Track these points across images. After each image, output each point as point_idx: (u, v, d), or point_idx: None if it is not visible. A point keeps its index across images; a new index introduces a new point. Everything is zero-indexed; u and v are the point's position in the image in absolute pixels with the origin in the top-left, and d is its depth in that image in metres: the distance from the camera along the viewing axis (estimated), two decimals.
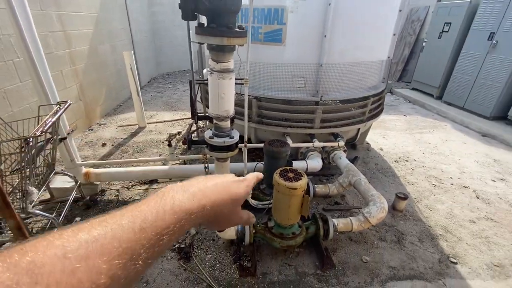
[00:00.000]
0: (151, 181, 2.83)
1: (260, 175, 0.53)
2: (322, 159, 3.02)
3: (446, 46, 5.75)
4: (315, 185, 2.58)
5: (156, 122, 4.35)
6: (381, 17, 2.65)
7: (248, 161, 3.28)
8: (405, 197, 2.53)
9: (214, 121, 1.52)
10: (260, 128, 2.94)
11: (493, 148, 4.04)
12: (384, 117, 5.24)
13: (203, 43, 1.25)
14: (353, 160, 3.44)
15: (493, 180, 3.20)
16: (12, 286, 0.20)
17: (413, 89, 6.97)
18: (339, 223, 2.10)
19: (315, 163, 2.72)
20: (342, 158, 2.79)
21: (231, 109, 1.47)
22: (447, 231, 2.38)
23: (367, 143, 3.98)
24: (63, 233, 0.26)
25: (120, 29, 5.41)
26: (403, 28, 8.53)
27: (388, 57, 3.21)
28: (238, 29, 1.26)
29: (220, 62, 1.33)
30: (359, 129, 3.17)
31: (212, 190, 0.40)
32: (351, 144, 3.80)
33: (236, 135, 1.57)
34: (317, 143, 2.78)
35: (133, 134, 3.98)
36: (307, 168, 2.69)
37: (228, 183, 0.43)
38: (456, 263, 2.06)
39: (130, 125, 4.23)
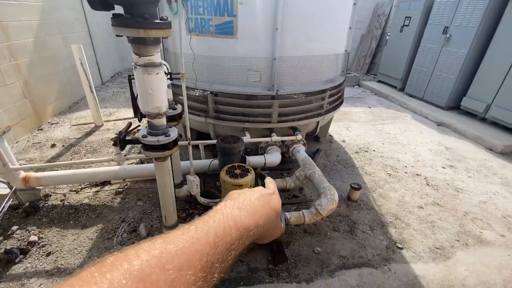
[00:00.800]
0: (103, 183, 2.69)
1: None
2: (283, 153, 3.03)
3: (407, 40, 5.97)
4: (275, 179, 2.57)
5: (115, 120, 4.14)
6: (333, 10, 2.66)
7: (210, 157, 3.22)
8: (359, 188, 2.60)
9: (147, 118, 1.44)
10: (218, 124, 2.88)
11: (446, 137, 4.29)
12: (350, 109, 5.38)
13: (121, 36, 1.16)
14: (315, 153, 3.49)
15: (443, 167, 3.39)
16: None
17: (379, 81, 7.20)
18: (291, 216, 2.11)
19: (273, 157, 2.71)
20: (300, 152, 2.80)
21: (163, 106, 1.40)
22: (397, 218, 2.49)
23: (330, 135, 4.06)
24: (155, 243, 0.28)
25: (73, 19, 5.03)
26: (370, 22, 8.76)
27: (346, 51, 3.25)
28: (159, 20, 1.18)
29: (143, 55, 1.24)
30: (318, 122, 3.20)
31: (260, 206, 0.42)
32: (314, 137, 3.85)
33: (173, 133, 1.50)
34: (275, 137, 2.77)
35: (88, 134, 3.75)
36: (265, 163, 2.68)
37: (268, 197, 0.46)
38: (402, 248, 2.16)
39: (86, 124, 3.98)
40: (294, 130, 2.95)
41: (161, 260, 0.26)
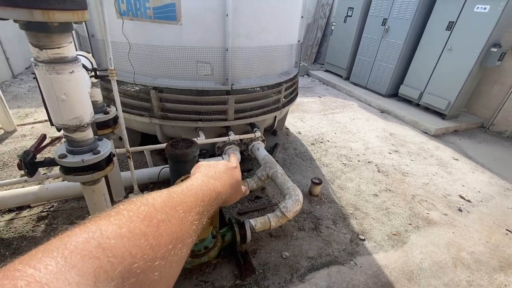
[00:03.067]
0: (19, 207, 2.13)
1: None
2: (242, 151, 2.83)
3: (351, 30, 6.22)
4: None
5: (33, 123, 3.37)
6: None
7: (160, 163, 2.83)
8: (319, 182, 2.57)
9: (64, 133, 1.08)
10: (166, 125, 2.52)
11: (389, 123, 4.63)
12: (302, 100, 5.42)
13: (6, 19, 0.78)
14: (273, 148, 3.39)
15: (390, 153, 3.63)
16: (164, 220, 0.31)
17: (326, 71, 7.45)
18: (256, 223, 1.96)
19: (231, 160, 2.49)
20: (260, 150, 2.65)
21: (85, 115, 1.05)
22: (356, 208, 2.55)
23: (286, 128, 4.00)
24: (163, 192, 0.36)
25: None
26: (315, 11, 8.94)
27: (298, 41, 3.15)
28: None
29: (46, 47, 0.88)
30: (275, 116, 3.08)
31: (227, 178, 0.52)
32: (272, 131, 3.74)
33: (104, 148, 1.16)
34: (233, 136, 2.55)
35: None
36: None
37: (232, 171, 0.55)
38: (364, 240, 2.20)
39: None
40: (252, 127, 2.77)
41: (173, 202, 0.34)
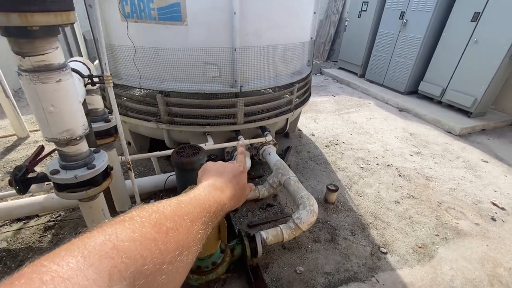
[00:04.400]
0: (27, 216, 2.10)
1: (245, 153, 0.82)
2: (253, 156, 2.71)
3: (366, 25, 5.94)
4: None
5: None
6: None
7: (169, 169, 2.76)
8: (335, 189, 2.41)
9: (56, 146, 0.99)
10: (173, 130, 2.43)
11: (409, 122, 4.36)
12: (315, 99, 5.22)
13: None
14: (285, 151, 3.24)
15: (411, 155, 3.39)
16: (173, 228, 0.33)
17: (340, 68, 7.19)
18: (268, 236, 1.82)
19: None
20: (271, 154, 2.51)
21: (77, 128, 0.95)
22: (376, 217, 2.36)
23: (299, 130, 3.83)
24: (172, 201, 0.39)
25: None
26: (327, 7, 8.67)
27: (311, 38, 2.98)
28: None
29: (30, 55, 0.79)
30: (287, 118, 2.93)
31: (233, 187, 0.53)
32: (284, 134, 3.59)
33: (101, 161, 1.07)
34: (243, 141, 2.42)
35: (9, 149, 3.00)
36: None
37: (238, 178, 0.56)
38: (386, 253, 2.02)
39: (4, 137, 3.19)
40: (263, 130, 2.64)
41: (181, 212, 0.36)
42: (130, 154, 1.70)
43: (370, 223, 2.29)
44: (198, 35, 2.07)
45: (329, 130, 3.95)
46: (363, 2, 5.88)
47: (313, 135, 3.76)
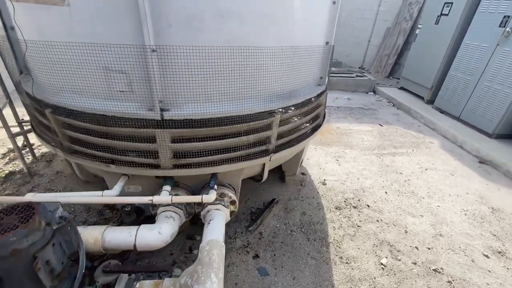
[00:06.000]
0: None
1: None
2: (196, 214, 1.76)
3: (444, 34, 4.33)
4: None
5: None
6: None
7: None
8: None
9: None
10: (76, 162, 1.67)
11: (492, 186, 2.75)
12: (353, 127, 3.94)
13: None
14: (266, 206, 2.19)
15: (486, 255, 1.94)
16: None
17: (401, 88, 5.60)
18: None
19: (150, 235, 1.45)
20: (211, 225, 1.53)
21: None
22: None
23: (303, 173, 2.69)
24: None
25: None
26: (399, 12, 7.04)
27: (327, 43, 1.89)
28: None
29: None
30: (263, 164, 1.88)
31: None
32: (279, 176, 2.53)
33: None
34: (158, 198, 1.50)
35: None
36: (135, 245, 1.43)
37: None
38: None
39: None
40: (213, 178, 1.67)
41: None
42: None
43: None
44: (87, 22, 1.25)
45: (354, 179, 2.70)
46: (445, 3, 4.29)
47: (324, 183, 2.59)
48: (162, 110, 1.38)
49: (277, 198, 2.27)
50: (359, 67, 7.81)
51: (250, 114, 1.54)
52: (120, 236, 1.42)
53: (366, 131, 3.85)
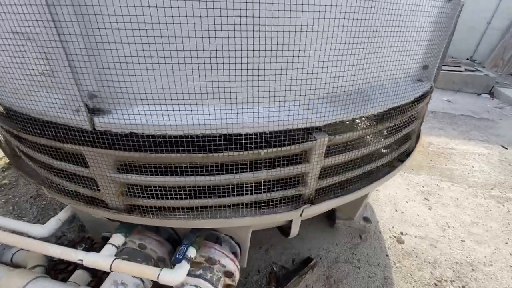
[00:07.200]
0: None
1: None
2: None
3: None
4: None
5: None
6: None
7: None
8: None
9: None
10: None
11: None
12: (456, 145, 2.70)
13: None
14: (302, 265, 1.40)
15: None
16: None
17: None
18: None
19: None
20: None
21: None
22: None
23: (366, 218, 1.73)
24: None
25: None
26: None
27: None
28: None
29: None
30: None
31: None
32: (326, 215, 1.69)
33: None
34: (92, 257, 0.89)
35: None
36: None
37: None
38: None
39: None
40: (185, 237, 0.98)
41: None
42: None
43: None
44: None
45: (454, 239, 1.63)
46: None
47: (399, 240, 1.61)
48: (93, 112, 0.74)
49: (314, 259, 1.44)
50: (468, 58, 5.85)
51: (266, 133, 0.77)
52: None
53: (479, 155, 2.55)
